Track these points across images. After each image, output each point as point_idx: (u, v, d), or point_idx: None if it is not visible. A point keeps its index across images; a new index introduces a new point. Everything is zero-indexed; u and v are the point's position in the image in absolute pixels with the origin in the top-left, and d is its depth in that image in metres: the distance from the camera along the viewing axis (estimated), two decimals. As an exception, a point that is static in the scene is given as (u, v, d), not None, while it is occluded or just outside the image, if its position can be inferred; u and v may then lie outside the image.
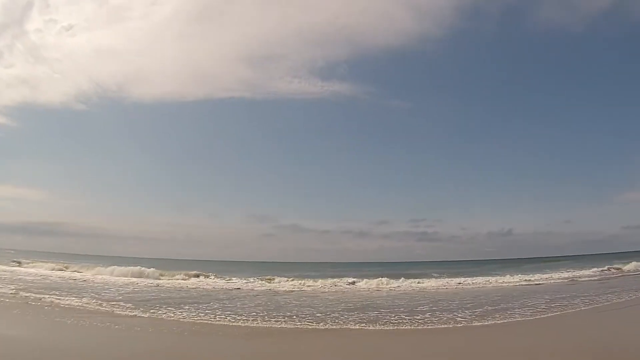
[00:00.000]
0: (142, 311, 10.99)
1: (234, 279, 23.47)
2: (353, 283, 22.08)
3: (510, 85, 73.61)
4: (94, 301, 12.40)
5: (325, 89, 69.08)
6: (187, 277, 23.99)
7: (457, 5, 64.42)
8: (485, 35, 68.67)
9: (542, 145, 75.27)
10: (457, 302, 13.40)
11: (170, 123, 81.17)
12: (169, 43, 72.69)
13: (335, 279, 23.00)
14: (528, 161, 74.11)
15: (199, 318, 10.29)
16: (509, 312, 11.07)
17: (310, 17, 69.69)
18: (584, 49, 66.22)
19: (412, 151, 79.23)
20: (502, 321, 9.97)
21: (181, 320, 10.02)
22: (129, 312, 10.90)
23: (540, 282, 21.56)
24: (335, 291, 18.61)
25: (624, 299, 13.12)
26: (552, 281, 22.04)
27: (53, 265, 28.89)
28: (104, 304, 11.95)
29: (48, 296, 12.95)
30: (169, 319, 10.24)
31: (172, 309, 11.54)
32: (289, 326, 9.62)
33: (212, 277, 24.93)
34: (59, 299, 12.59)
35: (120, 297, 13.95)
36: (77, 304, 11.86)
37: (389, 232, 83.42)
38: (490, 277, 23.82)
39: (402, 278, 22.71)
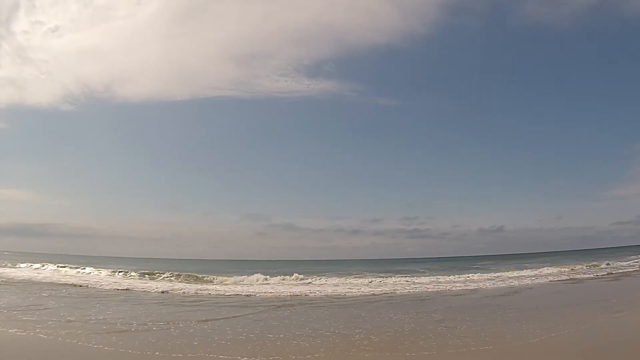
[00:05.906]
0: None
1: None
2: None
3: (498, 82, 73.99)
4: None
5: (312, 87, 68.91)
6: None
7: (442, 2, 65.09)
8: (471, 31, 68.86)
9: (532, 141, 75.65)
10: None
11: (158, 122, 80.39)
12: (154, 42, 72.36)
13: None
14: (519, 158, 74.26)
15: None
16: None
17: (294, 15, 69.31)
18: (572, 45, 67.08)
19: (402, 149, 78.95)
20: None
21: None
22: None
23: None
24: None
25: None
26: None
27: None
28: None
29: None
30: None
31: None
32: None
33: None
34: None
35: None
36: None
37: (381, 229, 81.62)
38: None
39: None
